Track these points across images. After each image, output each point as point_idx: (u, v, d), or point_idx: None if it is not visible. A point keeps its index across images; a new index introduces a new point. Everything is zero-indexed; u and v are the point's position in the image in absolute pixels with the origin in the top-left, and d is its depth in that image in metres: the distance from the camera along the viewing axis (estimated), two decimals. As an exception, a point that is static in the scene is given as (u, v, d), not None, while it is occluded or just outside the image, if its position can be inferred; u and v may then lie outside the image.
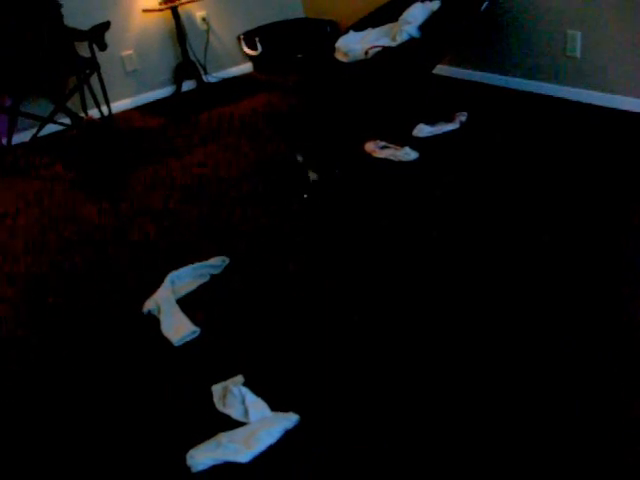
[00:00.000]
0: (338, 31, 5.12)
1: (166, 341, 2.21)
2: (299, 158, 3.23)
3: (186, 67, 5.10)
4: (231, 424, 1.80)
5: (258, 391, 1.88)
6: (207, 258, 2.62)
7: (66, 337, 2.35)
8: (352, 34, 4.31)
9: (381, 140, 3.44)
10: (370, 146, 3.43)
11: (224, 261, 2.62)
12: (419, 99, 4.08)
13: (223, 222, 2.99)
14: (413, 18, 3.92)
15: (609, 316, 2.02)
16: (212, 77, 5.32)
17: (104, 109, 4.40)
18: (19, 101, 4.17)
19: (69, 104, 4.39)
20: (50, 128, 4.46)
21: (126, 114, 4.86)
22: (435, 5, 3.95)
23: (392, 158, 3.29)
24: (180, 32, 4.94)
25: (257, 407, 1.83)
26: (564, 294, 2.14)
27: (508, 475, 1.55)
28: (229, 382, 1.94)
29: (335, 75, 4.26)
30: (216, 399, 1.90)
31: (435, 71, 4.35)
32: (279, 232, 2.81)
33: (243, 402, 1.84)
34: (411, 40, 3.88)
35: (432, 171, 3.11)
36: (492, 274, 2.31)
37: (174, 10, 4.83)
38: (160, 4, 4.78)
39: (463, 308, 2.15)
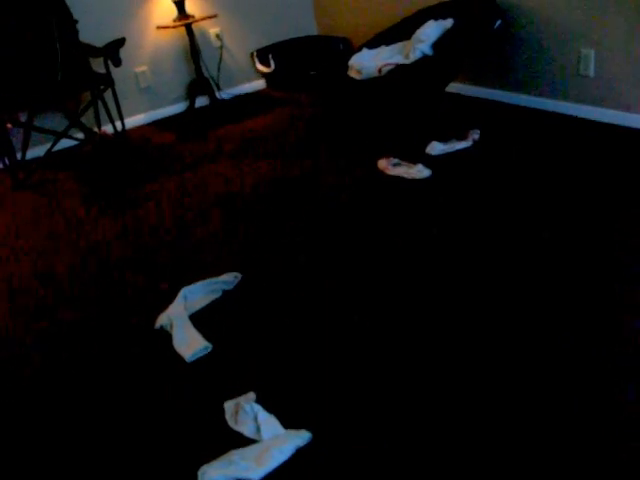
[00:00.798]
0: (351, 48, 5.16)
1: (178, 357, 2.20)
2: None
3: (199, 83, 5.14)
4: (243, 441, 1.79)
5: (270, 407, 1.87)
6: (220, 274, 2.62)
7: (78, 352, 2.35)
8: (365, 52, 4.34)
9: (394, 157, 3.44)
10: (383, 163, 3.43)
11: (237, 277, 2.62)
12: (432, 117, 4.09)
13: (236, 238, 2.99)
14: (426, 36, 3.93)
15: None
16: (225, 94, 5.35)
17: (118, 124, 4.44)
18: (33, 116, 4.21)
19: (83, 119, 4.44)
20: (64, 143, 4.49)
21: (140, 130, 4.90)
22: (448, 23, 3.96)
23: (405, 176, 3.28)
24: (194, 49, 4.98)
25: (269, 424, 1.82)
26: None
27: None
28: (241, 399, 1.92)
29: (349, 92, 4.28)
30: (228, 416, 1.89)
31: (448, 89, 4.36)
32: (293, 249, 2.81)
33: (255, 419, 1.83)
34: (424, 58, 3.89)
35: (445, 189, 3.10)
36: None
37: (188, 27, 4.89)
38: (174, 21, 4.84)
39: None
